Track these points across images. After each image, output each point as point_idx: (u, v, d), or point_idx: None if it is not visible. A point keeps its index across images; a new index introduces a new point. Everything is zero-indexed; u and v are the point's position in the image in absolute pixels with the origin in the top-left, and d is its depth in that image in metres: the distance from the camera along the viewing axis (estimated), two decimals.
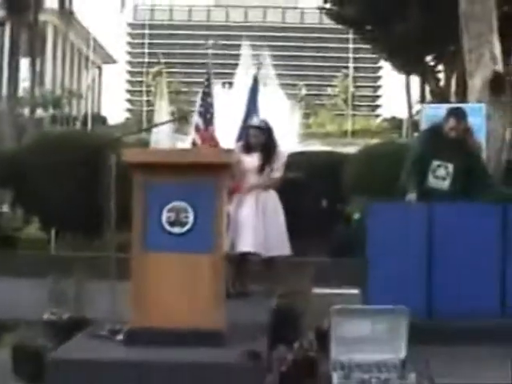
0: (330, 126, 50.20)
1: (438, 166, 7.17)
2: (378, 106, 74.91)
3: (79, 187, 10.97)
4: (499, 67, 10.58)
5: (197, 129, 8.53)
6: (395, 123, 53.83)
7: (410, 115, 36.01)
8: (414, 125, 24.32)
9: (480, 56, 10.51)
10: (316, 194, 8.81)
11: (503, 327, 6.57)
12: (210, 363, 5.16)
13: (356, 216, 10.27)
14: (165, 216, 5.59)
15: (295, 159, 11.81)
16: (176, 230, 5.59)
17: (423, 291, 6.80)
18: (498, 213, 6.87)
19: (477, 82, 10.54)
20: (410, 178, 7.15)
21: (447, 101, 19.35)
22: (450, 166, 7.20)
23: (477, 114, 9.25)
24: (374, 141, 34.08)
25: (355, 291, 7.98)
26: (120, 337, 5.63)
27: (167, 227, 5.59)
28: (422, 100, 23.55)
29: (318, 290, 7.89)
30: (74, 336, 5.78)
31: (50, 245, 10.26)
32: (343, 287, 8.29)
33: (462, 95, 14.26)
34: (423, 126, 9.00)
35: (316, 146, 22.73)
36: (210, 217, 5.58)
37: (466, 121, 7.43)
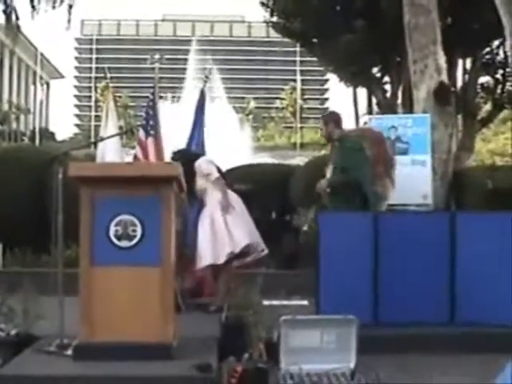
0: (279, 139, 50.41)
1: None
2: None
3: (27, 202, 10.85)
4: (444, 78, 10.73)
5: (139, 142, 8.49)
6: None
7: (357, 122, 36.27)
8: None
9: (425, 67, 10.65)
10: (265, 205, 8.82)
11: (451, 335, 6.63)
12: (159, 377, 5.15)
13: (304, 228, 10.31)
14: (112, 230, 5.57)
15: (244, 171, 11.89)
16: (124, 243, 5.58)
17: (371, 300, 6.84)
18: (445, 221, 6.95)
19: (422, 92, 10.68)
20: None
21: (394, 112, 19.56)
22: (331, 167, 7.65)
23: (422, 125, 9.36)
24: (323, 153, 34.32)
25: (304, 302, 8.01)
26: (68, 352, 5.59)
27: (115, 241, 5.57)
28: (370, 112, 23.73)
29: (267, 302, 7.92)
30: (23, 352, 5.71)
31: None
32: (292, 298, 8.30)
33: (409, 106, 14.41)
34: None
35: (265, 159, 22.78)
36: (158, 230, 5.58)
37: (329, 125, 7.71)
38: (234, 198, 7.95)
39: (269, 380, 5.27)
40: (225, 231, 7.70)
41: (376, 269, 6.86)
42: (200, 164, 7.92)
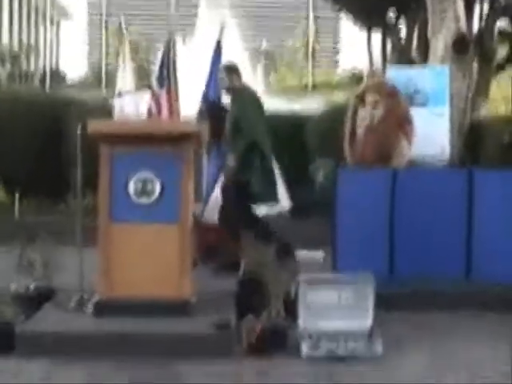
0: (291, 80, 49.92)
1: None
2: (338, 60, 74.64)
3: (41, 150, 10.83)
4: (463, 27, 10.58)
5: (152, 93, 8.39)
6: (356, 77, 53.64)
7: (371, 65, 35.84)
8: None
9: (444, 16, 10.49)
10: (280, 156, 8.77)
11: (467, 292, 6.65)
12: (179, 334, 5.19)
13: (320, 177, 10.29)
14: (131, 187, 5.57)
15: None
16: (143, 200, 5.58)
17: (386, 256, 6.86)
18: (463, 177, 6.92)
19: (440, 42, 10.53)
20: None
21: (408, 56, 19.32)
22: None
23: (441, 76, 9.25)
24: (335, 95, 34.00)
25: (320, 253, 8.05)
26: (88, 307, 5.63)
27: (134, 198, 5.58)
28: (384, 56, 23.40)
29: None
30: (43, 307, 5.77)
31: (13, 209, 10.13)
32: (308, 249, 8.34)
33: (424, 54, 14.20)
34: None
35: (277, 102, 22.51)
36: (176, 187, 5.59)
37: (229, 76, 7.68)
38: None
39: (287, 338, 5.31)
40: None
41: (392, 225, 6.87)
42: None
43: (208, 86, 8.53)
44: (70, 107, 10.90)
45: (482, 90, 18.34)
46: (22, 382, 4.69)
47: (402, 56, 19.02)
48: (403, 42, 21.65)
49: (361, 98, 7.74)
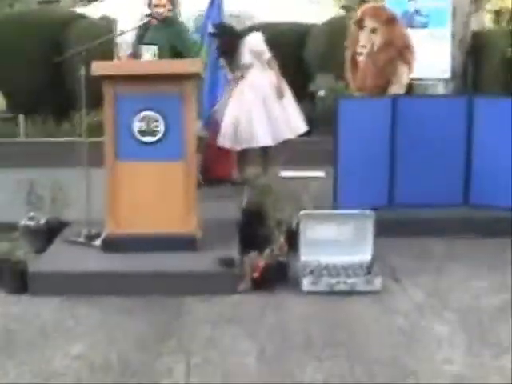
0: None
1: (145, 49, 7.40)
2: None
3: (42, 68, 10.84)
4: None
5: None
6: None
7: None
8: None
9: None
10: (281, 69, 8.81)
11: (466, 217, 6.84)
12: (186, 271, 5.38)
13: (321, 93, 10.34)
14: (136, 126, 5.69)
15: (262, 31, 11.76)
16: (147, 139, 5.70)
17: (387, 183, 7.02)
18: (462, 105, 7.01)
19: None
20: None
21: None
22: (154, 47, 7.42)
23: None
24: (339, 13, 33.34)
25: (321, 174, 8.21)
26: (97, 242, 5.83)
27: (138, 137, 5.70)
28: None
29: (285, 173, 8.13)
30: (53, 243, 5.96)
31: (18, 129, 10.24)
32: (310, 170, 8.49)
33: None
34: None
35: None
36: (180, 125, 5.69)
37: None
38: (283, 81, 7.98)
39: (289, 272, 5.51)
40: (282, 116, 7.77)
41: (393, 153, 7.00)
42: (254, 40, 7.91)
43: (207, 14, 8.59)
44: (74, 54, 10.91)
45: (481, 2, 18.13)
46: (36, 321, 4.89)
47: None
48: None
49: (359, 24, 7.71)
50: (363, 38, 7.61)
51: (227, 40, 7.87)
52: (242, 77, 7.90)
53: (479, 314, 4.95)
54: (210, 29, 8.15)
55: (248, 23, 14.56)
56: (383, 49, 7.53)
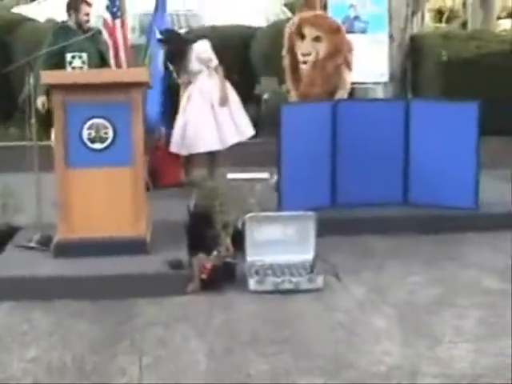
0: None
1: (73, 57, 7.48)
2: None
3: None
4: None
5: (105, 25, 8.51)
6: None
7: None
8: None
9: None
10: (227, 70, 9.02)
11: (405, 216, 7.15)
12: (136, 274, 5.58)
13: (265, 96, 10.57)
14: (85, 133, 5.87)
15: (205, 35, 11.94)
16: (97, 146, 5.89)
17: (329, 184, 7.30)
18: (400, 109, 7.32)
19: None
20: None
21: None
22: (84, 55, 7.52)
23: (380, 3, 9.51)
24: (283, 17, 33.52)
25: (265, 175, 8.46)
26: (49, 247, 5.98)
27: (88, 143, 5.88)
28: None
29: (231, 175, 8.35)
30: (5, 248, 6.11)
31: None
32: (255, 171, 8.72)
33: None
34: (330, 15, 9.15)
35: None
36: (128, 132, 5.90)
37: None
38: (229, 88, 8.21)
39: (236, 272, 5.75)
40: (230, 120, 7.99)
41: (334, 154, 7.29)
42: (201, 47, 8.12)
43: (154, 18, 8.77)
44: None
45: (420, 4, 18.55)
46: None
47: None
48: None
49: (297, 32, 7.89)
50: (306, 46, 7.78)
51: (175, 46, 8.07)
52: (190, 82, 8.12)
53: (415, 307, 5.24)
54: (158, 35, 8.33)
55: (194, 24, 14.78)
56: (330, 57, 7.75)
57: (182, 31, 10.91)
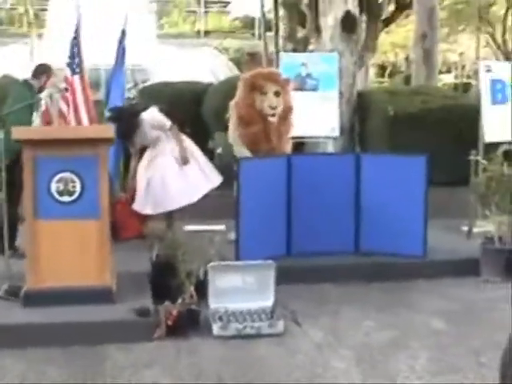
0: (183, 26, 49.63)
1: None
2: (228, 3, 74.23)
3: None
4: (351, 7, 11.25)
5: (65, 80, 8.78)
6: (247, 22, 53.62)
7: (263, 14, 35.94)
8: (267, 23, 24.44)
9: None
10: (180, 125, 9.32)
11: (357, 264, 7.50)
12: (104, 322, 5.82)
13: (219, 150, 10.89)
14: (54, 186, 6.13)
15: (157, 90, 12.27)
16: (65, 198, 6.15)
17: (284, 234, 7.62)
18: (351, 162, 7.72)
19: (330, 20, 11.22)
20: None
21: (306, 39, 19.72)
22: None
23: (330, 62, 9.98)
24: (228, 41, 34.13)
25: (222, 227, 8.74)
26: (17, 297, 6.18)
27: (57, 196, 6.14)
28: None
29: (189, 227, 8.62)
30: None
31: None
32: (212, 223, 9.00)
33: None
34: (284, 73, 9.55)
35: (171, 49, 22.35)
36: (95, 186, 6.16)
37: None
38: (187, 140, 8.50)
39: (200, 319, 6.02)
40: (198, 171, 8.28)
41: (289, 206, 7.63)
42: (151, 116, 8.39)
43: (111, 82, 9.11)
44: None
45: (370, 45, 19.14)
46: None
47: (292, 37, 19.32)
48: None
49: (255, 86, 8.16)
50: (271, 99, 8.09)
51: (126, 124, 8.28)
52: (146, 149, 8.43)
53: (371, 349, 5.57)
54: (107, 113, 8.59)
55: (140, 79, 15.13)
56: (287, 112, 8.12)
57: (131, 102, 11.11)
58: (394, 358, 5.39)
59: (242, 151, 8.11)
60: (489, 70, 9.57)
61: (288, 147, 8.25)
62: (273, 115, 8.06)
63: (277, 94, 8.09)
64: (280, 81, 8.22)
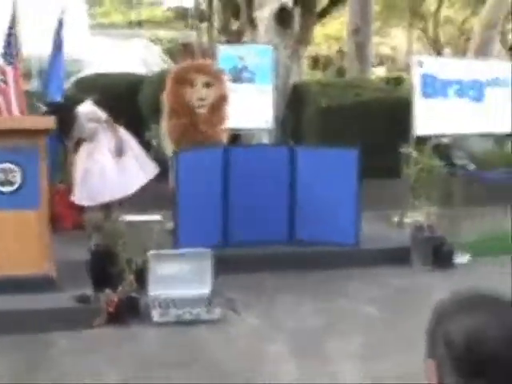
0: (116, 16, 49.12)
1: None
2: None
3: None
4: (286, 0, 11.44)
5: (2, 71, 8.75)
6: (181, 12, 53.38)
7: (197, 5, 35.98)
8: (201, 14, 24.55)
9: None
10: (114, 117, 9.39)
11: (292, 253, 7.71)
12: (46, 309, 5.94)
13: (154, 142, 10.99)
14: None
15: (92, 80, 12.31)
16: (6, 189, 6.23)
17: (221, 224, 7.78)
18: (285, 154, 7.92)
19: (265, 13, 11.40)
20: None
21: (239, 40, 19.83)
22: None
23: (266, 55, 10.14)
24: (162, 32, 34.04)
25: (158, 217, 8.85)
26: None
27: None
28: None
29: (127, 217, 8.71)
30: None
31: None
32: (148, 214, 9.11)
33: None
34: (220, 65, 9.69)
35: (104, 41, 22.24)
36: (36, 176, 6.26)
37: None
38: (123, 132, 8.57)
39: (140, 306, 6.17)
40: (135, 163, 8.36)
41: (226, 196, 7.79)
42: (86, 109, 8.45)
43: (50, 75, 9.11)
44: None
45: (304, 38, 19.39)
46: None
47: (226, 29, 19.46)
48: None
49: (184, 79, 8.29)
50: (199, 91, 8.25)
51: (61, 118, 8.32)
52: (83, 141, 8.49)
53: (305, 334, 5.79)
54: (43, 107, 8.61)
55: (78, 70, 15.07)
56: (220, 103, 8.27)
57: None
58: (327, 342, 5.61)
59: (167, 145, 8.29)
60: (420, 65, 9.83)
61: (223, 137, 8.41)
62: (201, 107, 8.21)
63: (207, 85, 8.23)
64: (211, 72, 8.37)
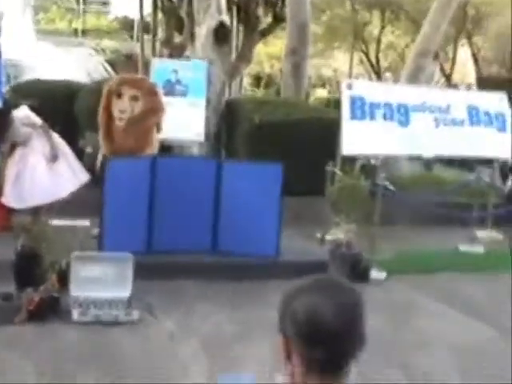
0: (60, 24, 48.88)
1: None
2: (107, 4, 73.51)
3: None
4: (224, 18, 11.75)
5: None
6: (126, 23, 53.33)
7: (142, 16, 36.03)
8: (146, 26, 24.69)
9: (207, 7, 11.64)
10: (52, 123, 9.52)
11: (211, 263, 7.97)
12: None
13: (88, 150, 11.14)
14: None
15: (32, 86, 12.41)
16: None
17: (146, 232, 7.99)
18: (213, 165, 8.18)
19: (203, 29, 11.69)
20: None
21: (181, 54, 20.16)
22: None
23: (200, 70, 10.43)
24: (106, 42, 34.05)
25: (87, 223, 9.03)
26: None
27: None
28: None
29: (55, 222, 8.87)
30: None
31: None
32: (78, 219, 9.27)
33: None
34: (152, 78, 9.94)
35: (45, 46, 22.23)
36: None
37: None
38: (57, 138, 8.72)
39: (61, 306, 6.36)
40: (67, 169, 8.51)
41: (152, 205, 8.01)
42: (21, 114, 8.57)
43: None
44: None
45: (246, 55, 19.70)
46: None
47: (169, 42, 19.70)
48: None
49: (116, 91, 8.56)
50: (122, 104, 8.49)
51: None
52: (16, 145, 8.63)
53: (218, 340, 6.06)
54: None
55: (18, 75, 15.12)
56: (145, 116, 8.50)
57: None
58: (238, 347, 5.87)
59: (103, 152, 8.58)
60: (350, 87, 10.18)
61: (151, 149, 8.63)
62: (120, 119, 8.46)
63: (134, 98, 8.48)
64: (142, 86, 8.61)
